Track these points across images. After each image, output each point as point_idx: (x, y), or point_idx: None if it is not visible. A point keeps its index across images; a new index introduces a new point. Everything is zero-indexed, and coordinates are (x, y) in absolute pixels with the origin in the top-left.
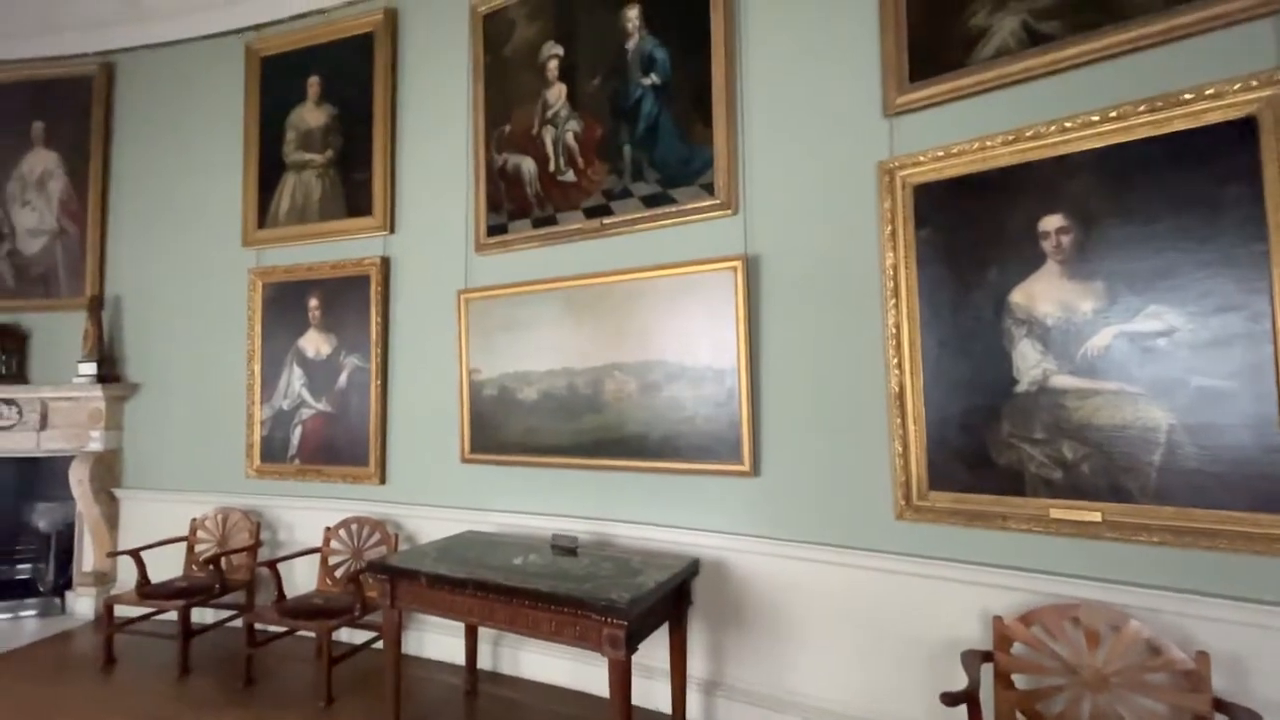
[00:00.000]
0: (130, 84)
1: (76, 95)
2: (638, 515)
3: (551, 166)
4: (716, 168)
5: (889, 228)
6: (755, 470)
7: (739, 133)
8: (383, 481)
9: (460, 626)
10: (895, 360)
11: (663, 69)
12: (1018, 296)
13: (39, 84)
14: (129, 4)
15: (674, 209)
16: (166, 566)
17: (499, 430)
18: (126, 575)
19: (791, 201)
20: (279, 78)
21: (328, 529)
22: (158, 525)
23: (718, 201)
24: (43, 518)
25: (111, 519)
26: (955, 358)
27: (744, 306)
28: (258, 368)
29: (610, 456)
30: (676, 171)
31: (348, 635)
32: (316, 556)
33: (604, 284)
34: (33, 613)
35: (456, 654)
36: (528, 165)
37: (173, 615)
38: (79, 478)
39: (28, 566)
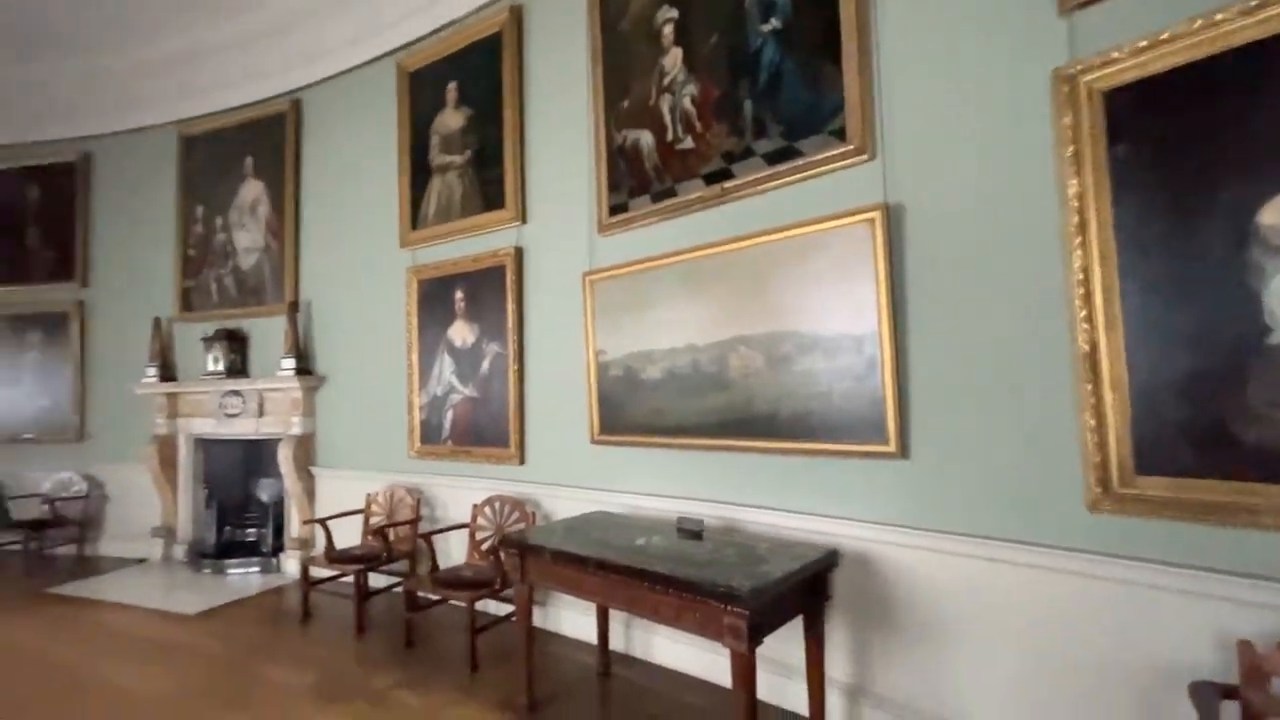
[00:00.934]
0: (311, 115)
1: (273, 131)
2: (767, 500)
3: (669, 136)
4: (848, 109)
5: (1070, 149)
6: (903, 451)
7: (873, 66)
8: (522, 462)
9: (593, 606)
10: (1084, 313)
11: (783, 10)
12: (1270, 216)
13: (247, 125)
14: (308, 47)
15: (801, 162)
16: (349, 535)
17: (625, 411)
18: (322, 541)
19: (940, 136)
20: (423, 89)
21: (475, 506)
22: (342, 499)
23: (850, 147)
24: (264, 491)
25: (310, 493)
26: (1170, 305)
27: (884, 263)
28: (415, 358)
29: (737, 436)
30: (802, 121)
31: (495, 608)
32: (466, 531)
33: (726, 253)
34: (257, 569)
35: (590, 633)
36: (645, 139)
37: (351, 578)
38: (284, 457)
39: (253, 530)
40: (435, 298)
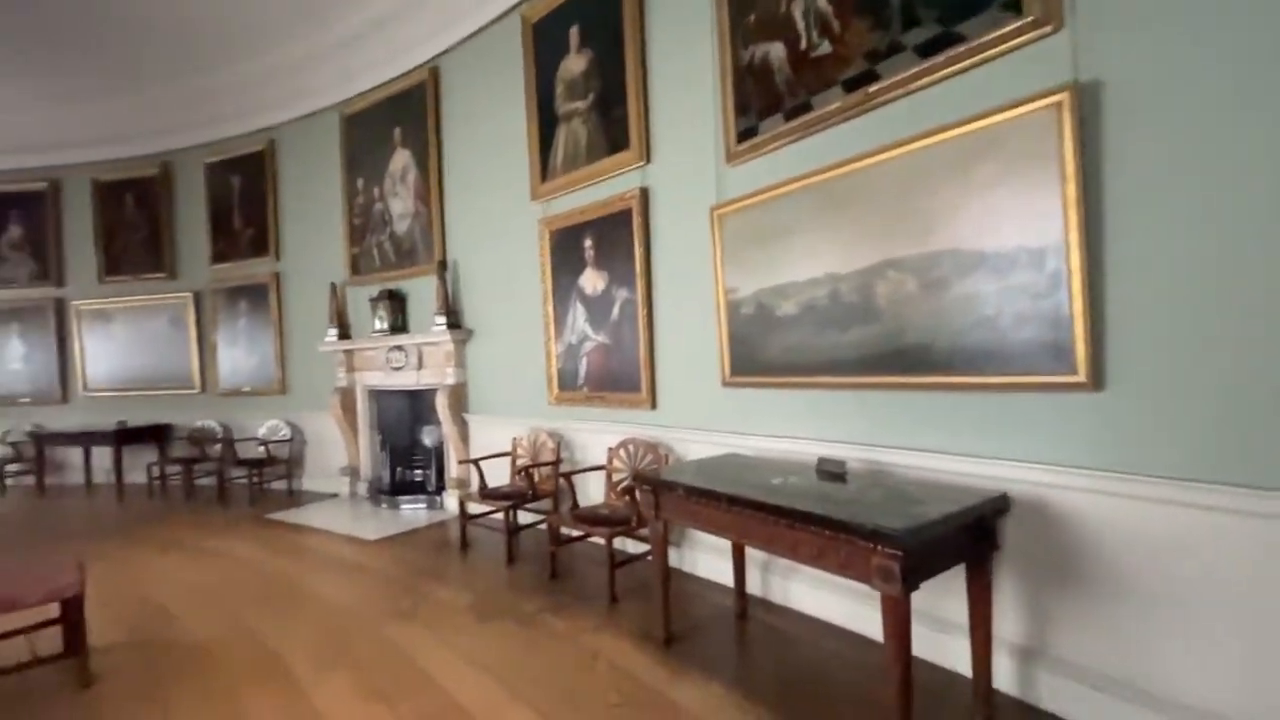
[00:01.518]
0: (448, 81)
1: (416, 101)
2: (919, 441)
3: (803, 44)
4: None
5: None
6: (1096, 382)
7: None
8: (654, 407)
9: (729, 549)
10: None
11: None
12: None
13: (394, 98)
14: (441, 15)
15: (962, 49)
16: (499, 475)
17: (757, 351)
18: (476, 480)
19: None
20: (546, 38)
21: (610, 449)
22: (492, 442)
23: (1028, 20)
24: (427, 436)
25: (464, 437)
26: None
27: (1074, 156)
28: (550, 308)
29: (884, 372)
30: (962, 1)
31: (632, 546)
32: (603, 473)
33: (871, 167)
34: (424, 505)
35: (726, 575)
36: (776, 51)
37: (501, 515)
38: (441, 405)
39: (420, 471)
40: (566, 247)
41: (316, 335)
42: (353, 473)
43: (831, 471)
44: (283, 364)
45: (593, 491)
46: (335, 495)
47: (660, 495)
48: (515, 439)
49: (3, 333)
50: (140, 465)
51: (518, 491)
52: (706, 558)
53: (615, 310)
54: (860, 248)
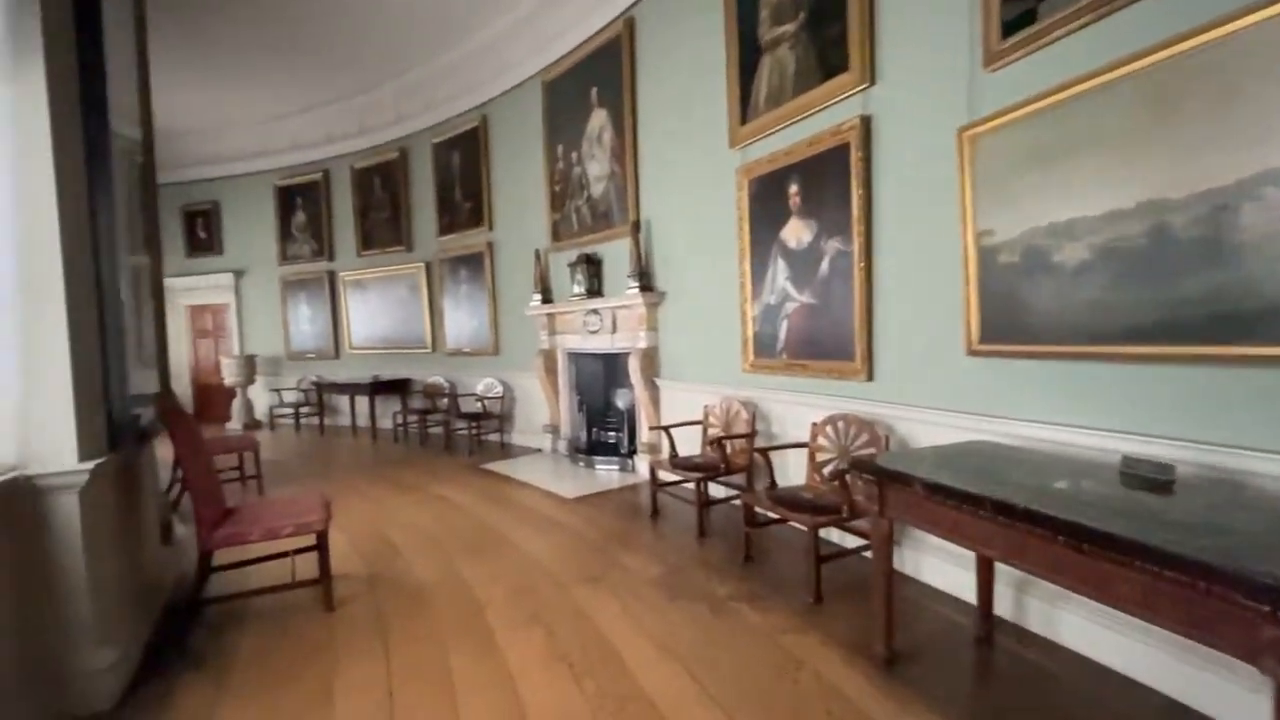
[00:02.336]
0: (643, 31)
1: (611, 57)
2: None
3: None
4: None
5: None
6: None
7: None
8: (870, 378)
9: (967, 556)
10: None
11: None
12: None
13: (590, 58)
14: None
15: None
16: (691, 443)
17: (1023, 310)
18: (667, 447)
19: None
20: None
21: (814, 424)
22: (683, 409)
23: None
24: (620, 399)
25: (655, 402)
26: None
27: None
28: (747, 266)
29: (1240, 340)
30: None
31: (837, 537)
32: (804, 451)
33: (1238, 33)
34: (616, 467)
35: (962, 588)
36: None
37: (692, 485)
38: (633, 368)
39: (613, 434)
40: (767, 196)
41: (524, 300)
42: (554, 430)
43: (1149, 478)
44: (495, 327)
45: (792, 470)
46: (539, 450)
47: (887, 488)
48: (707, 407)
49: (294, 300)
50: (388, 413)
51: (709, 463)
52: (934, 561)
53: (824, 265)
54: (1209, 160)
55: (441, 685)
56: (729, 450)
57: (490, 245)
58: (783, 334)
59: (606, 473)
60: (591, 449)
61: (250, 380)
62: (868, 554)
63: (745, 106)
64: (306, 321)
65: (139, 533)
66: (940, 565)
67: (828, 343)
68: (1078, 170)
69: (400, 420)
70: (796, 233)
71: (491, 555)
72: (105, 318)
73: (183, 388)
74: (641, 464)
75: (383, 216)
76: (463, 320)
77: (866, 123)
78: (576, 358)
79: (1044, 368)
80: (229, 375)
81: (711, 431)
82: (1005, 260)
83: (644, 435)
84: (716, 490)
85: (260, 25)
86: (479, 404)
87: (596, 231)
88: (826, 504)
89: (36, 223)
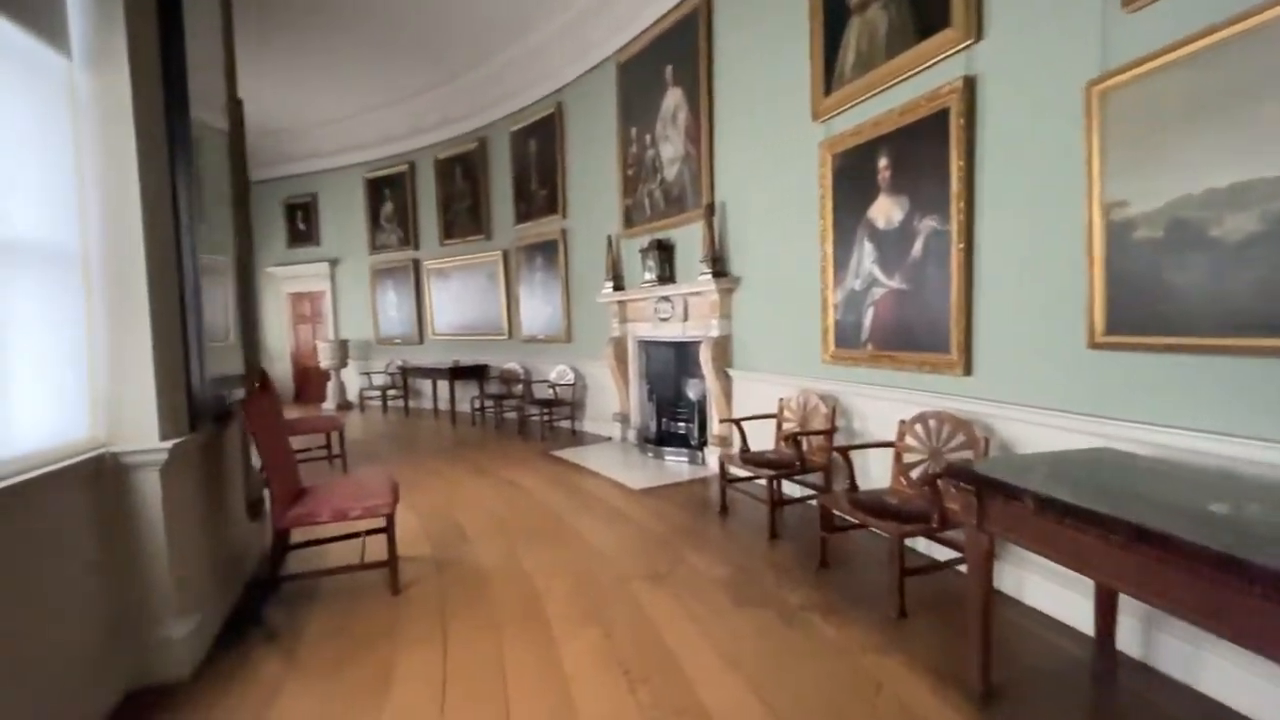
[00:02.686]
0: (721, 5)
1: (687, 33)
2: None
3: None
4: None
5: None
6: None
7: None
8: (967, 372)
9: (1082, 580)
10: None
11: None
12: None
13: (664, 35)
14: None
15: None
16: (764, 437)
17: (1164, 296)
18: (738, 440)
19: None
20: None
21: (901, 422)
22: (756, 401)
23: None
24: (691, 389)
25: (727, 393)
26: None
27: None
28: (830, 248)
29: None
30: None
31: (924, 546)
32: (889, 451)
33: None
34: (686, 459)
35: (1076, 614)
36: None
37: (764, 482)
38: (704, 358)
39: (683, 424)
40: (853, 172)
41: (596, 287)
42: (623, 419)
43: None
44: (568, 315)
45: (874, 471)
46: (609, 439)
47: (988, 499)
48: (782, 400)
49: (382, 287)
50: (466, 397)
51: (783, 460)
52: (1040, 581)
53: (916, 246)
54: None
55: (495, 683)
56: (805, 447)
57: (564, 233)
58: (868, 322)
59: (675, 464)
60: (661, 439)
61: (343, 363)
62: (961, 568)
63: (829, 76)
64: (393, 308)
65: (223, 508)
66: (1048, 586)
67: (919, 332)
68: (1255, 121)
69: (477, 405)
70: (886, 211)
71: (555, 544)
72: (186, 303)
73: (284, 369)
74: (711, 457)
75: (464, 206)
76: (537, 308)
77: (970, 85)
78: (647, 346)
79: (1191, 364)
80: (324, 359)
81: (786, 426)
82: (1143, 236)
83: (715, 427)
84: (790, 489)
85: (349, 25)
86: (551, 391)
87: (669, 216)
88: (914, 511)
89: (121, 213)
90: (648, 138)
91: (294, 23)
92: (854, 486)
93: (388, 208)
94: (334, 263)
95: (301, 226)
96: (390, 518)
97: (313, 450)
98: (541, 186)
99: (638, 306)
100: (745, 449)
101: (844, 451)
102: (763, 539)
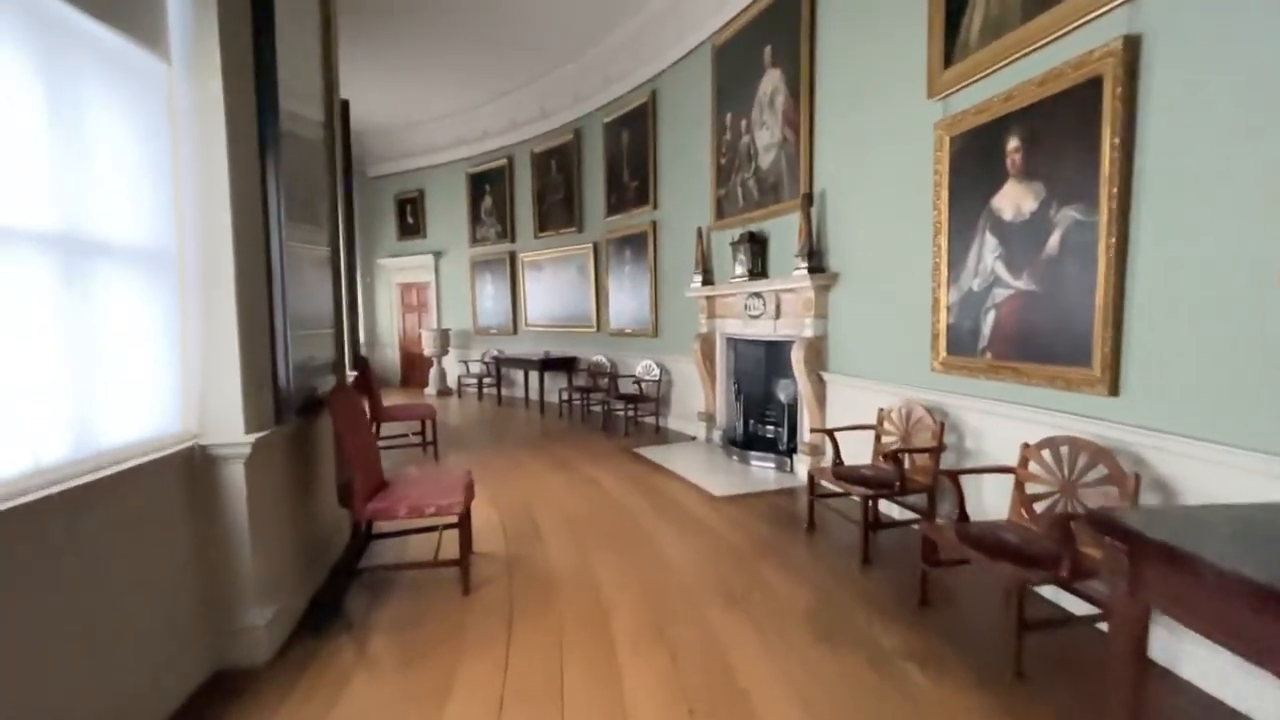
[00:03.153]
0: None
1: (789, 9)
2: None
3: None
4: None
5: None
6: None
7: None
8: (1113, 391)
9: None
10: None
11: None
12: None
13: (763, 13)
14: None
15: None
16: (859, 449)
17: None
18: (830, 450)
19: None
20: None
21: (1025, 446)
22: (852, 409)
23: None
24: (781, 391)
25: (820, 398)
26: None
27: None
28: (944, 243)
29: None
30: None
31: (1050, 593)
32: (1009, 479)
33: None
34: (772, 465)
35: (1257, 705)
36: None
37: (858, 500)
38: (797, 359)
39: (772, 428)
40: (973, 157)
41: (684, 281)
42: (709, 419)
43: None
44: (656, 309)
45: (989, 499)
46: (693, 438)
47: (1144, 559)
48: (882, 410)
49: (481, 279)
50: (555, 389)
51: (882, 478)
52: (1205, 654)
53: (1052, 241)
54: None
55: (552, 707)
56: (907, 465)
57: (654, 225)
58: (987, 328)
59: (761, 470)
60: (747, 443)
61: (444, 351)
62: (1100, 625)
63: (950, 47)
64: (490, 299)
65: (312, 495)
66: (1217, 662)
67: (1052, 341)
68: None
69: (565, 397)
70: (1015, 200)
71: (629, 550)
72: (274, 300)
73: (393, 356)
74: (801, 466)
75: (557, 199)
76: (625, 301)
77: (1132, 45)
78: (735, 343)
79: None
80: (427, 346)
81: (886, 440)
82: None
83: (805, 434)
84: (888, 508)
85: (456, 26)
86: (636, 386)
87: (763, 206)
88: (1038, 552)
89: (212, 215)
90: (743, 124)
91: (407, 29)
92: (964, 516)
93: (487, 201)
94: (438, 255)
95: (410, 220)
96: (464, 516)
97: (408, 436)
98: (633, 178)
99: (727, 302)
100: (839, 462)
101: (953, 475)
102: (854, 564)
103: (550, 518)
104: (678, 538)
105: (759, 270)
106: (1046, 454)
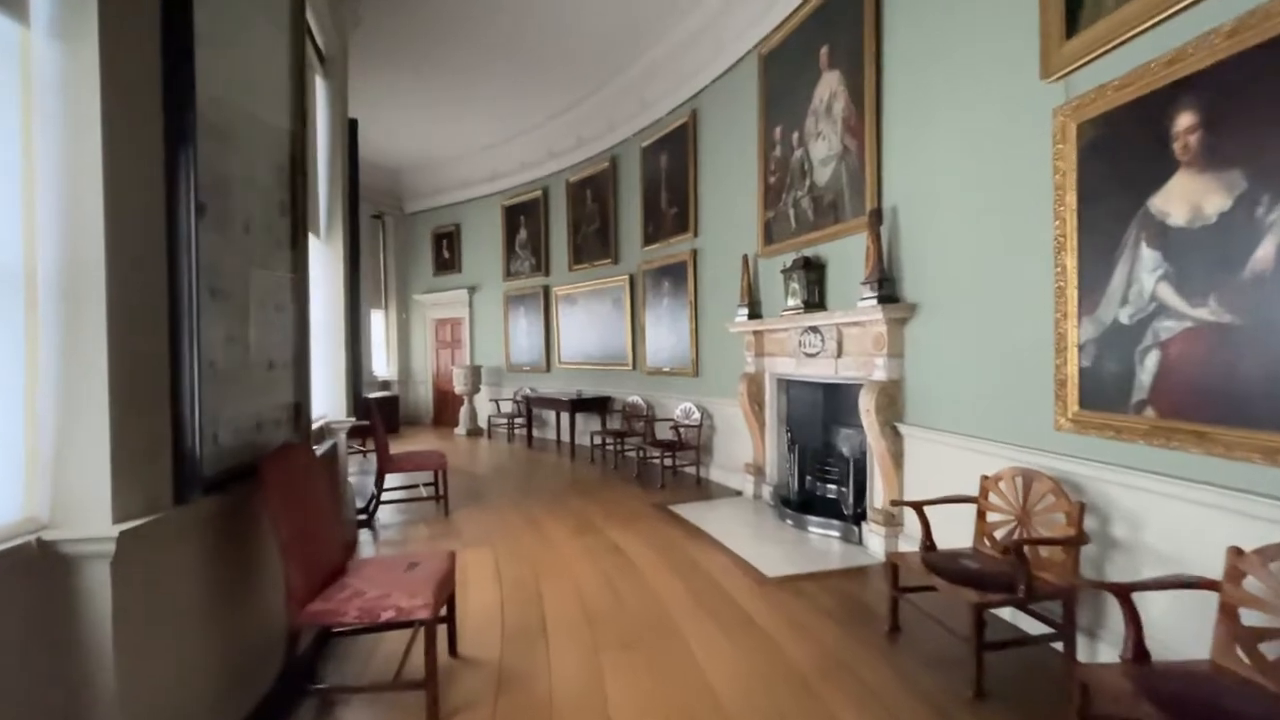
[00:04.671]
0: None
1: (847, 4)
2: None
3: None
4: None
5: None
6: None
7: None
8: None
9: None
10: None
11: None
12: None
13: (817, 11)
14: None
15: None
16: (953, 526)
17: None
18: (913, 521)
19: None
20: None
21: (1236, 553)
22: (939, 472)
23: None
24: (844, 443)
25: (896, 456)
26: None
27: None
28: (1070, 261)
29: None
30: None
31: None
32: (1210, 596)
33: None
34: (836, 534)
35: None
36: None
37: (962, 603)
38: (865, 407)
39: (833, 487)
40: (1116, 146)
41: (727, 315)
42: (757, 472)
43: None
44: (696, 345)
45: (1158, 614)
46: (739, 493)
47: None
48: (986, 479)
49: (515, 314)
50: (587, 430)
51: (995, 575)
52: None
53: (1258, 252)
54: None
55: None
56: (1032, 558)
57: (694, 253)
58: (1147, 375)
59: (822, 539)
60: (804, 504)
61: (475, 389)
62: None
63: (1072, 10)
64: (524, 335)
65: (252, 591)
66: None
67: (1261, 395)
68: None
69: (598, 440)
70: (1190, 197)
71: (653, 660)
72: (179, 337)
73: (426, 394)
74: (873, 537)
75: (592, 229)
76: (663, 336)
77: None
78: (788, 385)
79: None
80: (458, 384)
81: (994, 518)
82: None
83: (878, 498)
84: (1009, 615)
85: (488, 60)
86: (674, 431)
87: (820, 229)
88: (1268, 714)
89: (77, 216)
90: (794, 136)
91: (443, 61)
92: (1141, 648)
93: (522, 234)
94: (473, 289)
95: (446, 255)
96: (431, 625)
97: (417, 488)
98: (671, 204)
99: (777, 338)
100: (929, 544)
101: (1123, 592)
102: (962, 691)
103: (561, 605)
104: (721, 643)
105: (815, 301)
106: (1275, 566)
